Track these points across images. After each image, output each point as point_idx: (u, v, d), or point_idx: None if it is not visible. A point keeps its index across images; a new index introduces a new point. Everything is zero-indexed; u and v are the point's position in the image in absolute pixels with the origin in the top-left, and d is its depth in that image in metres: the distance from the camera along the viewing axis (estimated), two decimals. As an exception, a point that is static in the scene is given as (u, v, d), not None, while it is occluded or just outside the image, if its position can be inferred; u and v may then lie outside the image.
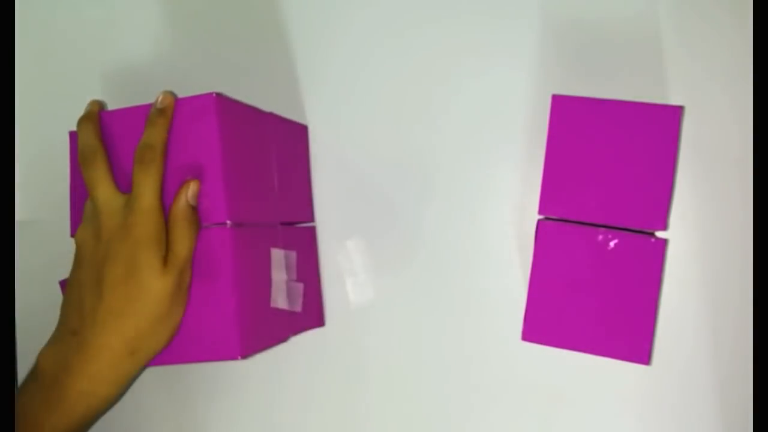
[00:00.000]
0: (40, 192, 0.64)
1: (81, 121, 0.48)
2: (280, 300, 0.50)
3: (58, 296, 0.53)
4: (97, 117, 0.48)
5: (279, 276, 0.50)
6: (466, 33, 0.55)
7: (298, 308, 0.53)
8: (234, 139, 0.47)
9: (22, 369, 0.63)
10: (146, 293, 0.44)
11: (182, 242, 0.45)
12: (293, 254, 0.53)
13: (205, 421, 0.61)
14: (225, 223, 0.46)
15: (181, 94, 0.47)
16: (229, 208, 0.46)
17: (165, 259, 0.44)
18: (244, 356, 0.45)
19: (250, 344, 0.46)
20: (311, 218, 0.58)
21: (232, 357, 0.45)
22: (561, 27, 0.53)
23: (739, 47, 0.50)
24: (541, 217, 0.48)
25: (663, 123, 0.45)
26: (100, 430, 0.51)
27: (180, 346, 0.47)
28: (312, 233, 0.58)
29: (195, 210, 0.45)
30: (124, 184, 0.47)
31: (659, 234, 0.46)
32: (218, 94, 0.46)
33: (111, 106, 0.56)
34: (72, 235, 0.50)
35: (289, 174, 0.55)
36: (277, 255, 0.51)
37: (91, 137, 0.47)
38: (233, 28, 0.60)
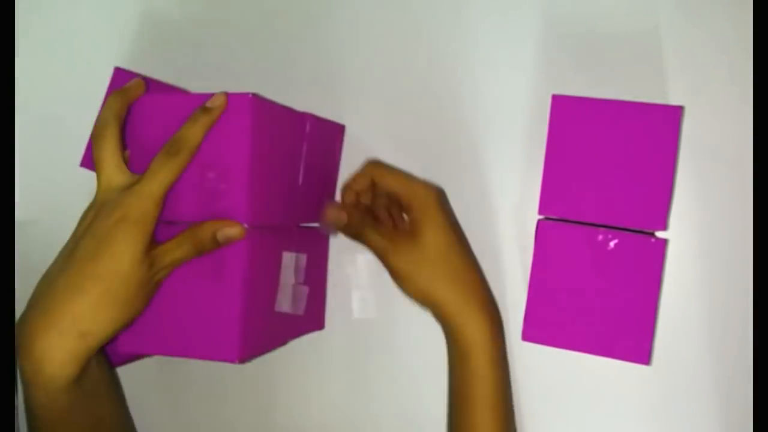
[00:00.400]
0: (40, 192, 0.64)
1: (111, 95, 0.46)
2: (284, 303, 0.50)
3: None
4: (127, 96, 0.46)
5: (287, 279, 0.50)
6: (466, 33, 0.55)
7: (301, 312, 0.53)
8: (264, 142, 0.46)
9: (22, 369, 0.63)
10: (113, 274, 0.42)
11: (179, 252, 0.44)
12: (303, 257, 0.52)
13: (202, 420, 0.61)
14: (242, 226, 0.45)
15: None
16: (249, 211, 0.45)
17: (147, 250, 0.43)
18: (242, 360, 0.45)
19: (250, 348, 0.46)
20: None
21: (230, 360, 0.45)
22: (562, 27, 0.53)
23: (739, 47, 0.49)
24: (541, 217, 0.48)
25: (663, 123, 0.45)
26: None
27: (178, 339, 0.46)
28: (323, 239, 0.58)
29: (216, 245, 0.44)
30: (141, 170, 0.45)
31: (659, 234, 0.46)
32: (254, 95, 0.45)
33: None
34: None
35: (317, 175, 0.54)
36: (288, 258, 0.50)
37: (110, 112, 0.45)
38: (269, 25, 0.60)
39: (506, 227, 0.54)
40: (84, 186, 0.55)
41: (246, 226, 0.45)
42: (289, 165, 0.50)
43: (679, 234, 0.49)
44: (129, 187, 0.43)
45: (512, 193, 0.54)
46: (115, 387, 0.50)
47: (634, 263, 0.45)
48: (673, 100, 0.50)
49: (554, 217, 0.47)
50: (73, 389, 0.43)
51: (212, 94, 0.45)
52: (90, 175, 0.55)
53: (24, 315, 0.43)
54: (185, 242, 0.44)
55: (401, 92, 0.56)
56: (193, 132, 0.44)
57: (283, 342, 0.52)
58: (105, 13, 0.63)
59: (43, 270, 0.64)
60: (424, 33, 0.56)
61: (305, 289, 0.53)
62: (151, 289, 0.45)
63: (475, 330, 0.47)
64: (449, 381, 0.49)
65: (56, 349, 0.41)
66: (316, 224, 0.54)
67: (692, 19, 0.50)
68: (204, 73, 0.61)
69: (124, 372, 0.55)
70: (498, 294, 0.53)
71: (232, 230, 0.44)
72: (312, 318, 0.56)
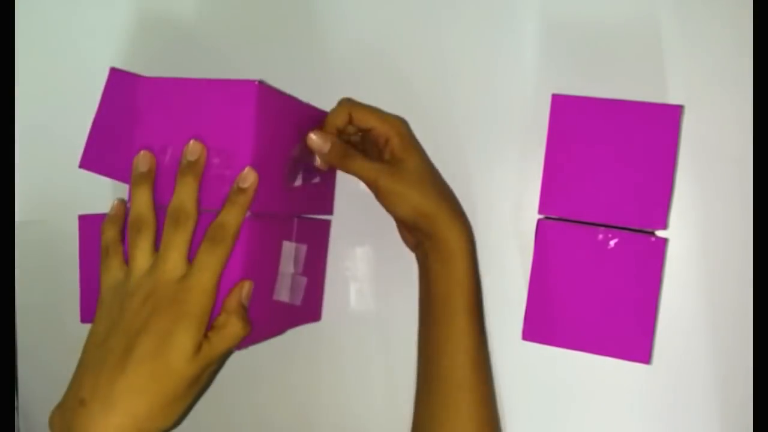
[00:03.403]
0: (40, 192, 0.64)
1: (138, 182, 0.45)
2: (283, 293, 0.50)
3: (57, 296, 0.53)
4: (152, 176, 0.46)
5: (287, 269, 0.50)
6: (466, 33, 0.55)
7: (298, 302, 0.53)
8: (268, 130, 0.46)
9: (23, 369, 0.63)
10: (172, 374, 0.42)
11: (226, 339, 0.43)
12: (304, 248, 0.52)
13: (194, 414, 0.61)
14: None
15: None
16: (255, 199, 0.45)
17: (200, 345, 0.42)
18: (239, 348, 0.45)
19: (248, 337, 0.46)
20: (330, 211, 0.58)
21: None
22: (561, 27, 0.53)
23: (739, 47, 0.50)
24: (541, 216, 0.48)
25: (663, 122, 0.45)
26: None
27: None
28: (327, 226, 0.58)
29: (246, 309, 0.44)
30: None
31: (659, 233, 0.46)
32: (260, 82, 0.44)
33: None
34: (82, 321, 0.50)
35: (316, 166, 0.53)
36: (288, 248, 0.50)
37: (145, 205, 0.45)
38: (272, 15, 0.60)
39: (506, 226, 0.54)
40: (84, 186, 0.55)
41: (249, 214, 0.45)
42: (290, 154, 0.50)
43: (679, 233, 0.49)
44: (184, 280, 0.43)
45: (512, 193, 0.54)
46: None
47: (634, 262, 0.45)
48: (673, 100, 0.50)
49: (554, 216, 0.47)
50: None
51: (219, 81, 0.45)
52: (89, 176, 0.55)
53: (76, 408, 0.42)
54: (229, 320, 0.44)
55: (401, 92, 0.56)
56: (234, 216, 0.44)
57: (279, 331, 0.52)
58: (105, 12, 0.63)
59: (43, 270, 0.64)
60: (424, 32, 0.56)
61: (303, 280, 0.53)
62: (202, 384, 0.44)
63: (458, 237, 0.49)
64: (425, 293, 0.51)
65: None
66: (317, 216, 0.54)
67: (692, 19, 0.51)
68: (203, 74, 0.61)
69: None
70: (498, 293, 0.53)
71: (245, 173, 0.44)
72: (309, 309, 0.56)
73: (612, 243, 0.46)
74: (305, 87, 0.55)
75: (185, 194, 0.44)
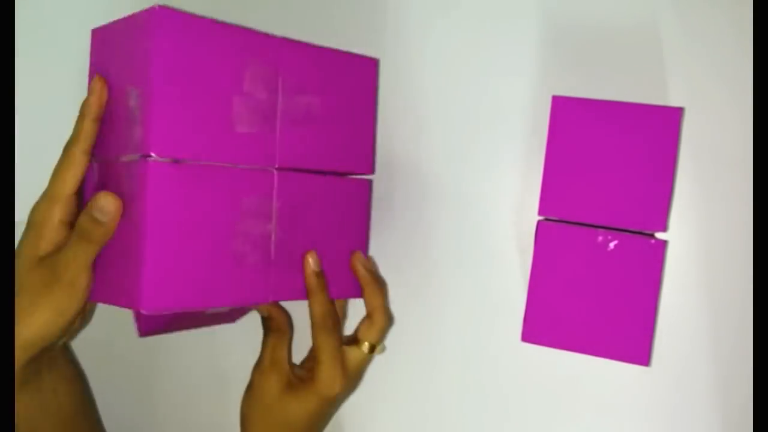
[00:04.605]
0: (40, 192, 0.64)
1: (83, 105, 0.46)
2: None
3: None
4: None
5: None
6: (466, 34, 0.55)
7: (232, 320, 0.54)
8: (180, 60, 0.41)
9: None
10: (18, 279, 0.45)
11: (71, 252, 0.44)
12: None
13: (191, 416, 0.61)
14: (149, 156, 0.41)
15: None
16: (154, 140, 0.40)
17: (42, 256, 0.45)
18: (149, 311, 0.41)
19: (162, 300, 0.41)
20: (364, 169, 0.52)
21: (137, 308, 0.41)
22: (561, 28, 0.53)
23: (739, 47, 0.49)
24: (541, 218, 0.48)
25: (663, 124, 0.45)
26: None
27: (103, 287, 0.44)
28: (362, 188, 0.52)
29: (97, 223, 0.43)
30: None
31: (659, 235, 0.46)
32: (162, 7, 0.41)
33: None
34: None
35: (314, 112, 0.48)
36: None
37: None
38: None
39: (506, 228, 0.54)
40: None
41: (154, 156, 0.41)
42: (236, 92, 0.44)
43: (679, 235, 0.49)
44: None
45: (512, 194, 0.54)
46: (75, 388, 0.54)
47: (633, 264, 0.45)
48: (673, 101, 0.50)
49: (554, 218, 0.47)
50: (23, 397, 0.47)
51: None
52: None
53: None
54: (73, 239, 0.44)
55: (402, 93, 0.56)
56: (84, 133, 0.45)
57: (229, 303, 0.45)
58: (105, 12, 0.63)
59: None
60: (424, 33, 0.56)
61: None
62: (73, 292, 0.44)
63: None
64: None
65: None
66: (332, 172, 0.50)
67: (692, 19, 0.50)
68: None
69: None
70: (498, 295, 0.53)
71: (102, 201, 0.42)
72: (347, 282, 0.51)
73: (612, 245, 0.46)
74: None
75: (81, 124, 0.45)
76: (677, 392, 0.51)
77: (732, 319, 0.50)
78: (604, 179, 0.46)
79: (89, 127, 0.45)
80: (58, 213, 0.45)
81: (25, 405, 0.48)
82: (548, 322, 0.47)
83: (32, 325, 0.44)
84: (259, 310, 0.51)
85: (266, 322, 0.52)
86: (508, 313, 0.52)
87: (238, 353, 0.59)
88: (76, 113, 0.56)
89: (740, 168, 0.49)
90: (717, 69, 0.50)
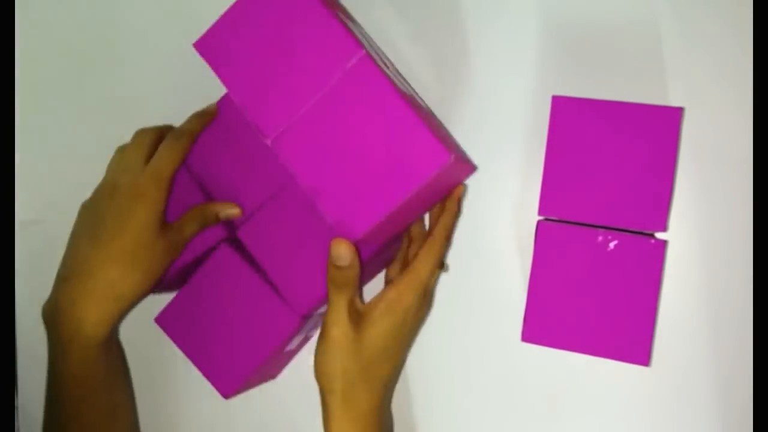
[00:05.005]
0: (40, 192, 0.64)
1: (194, 115, 0.53)
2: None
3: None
4: (204, 118, 0.52)
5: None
6: (466, 34, 0.55)
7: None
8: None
9: (23, 369, 0.63)
10: (138, 244, 0.48)
11: (189, 228, 0.50)
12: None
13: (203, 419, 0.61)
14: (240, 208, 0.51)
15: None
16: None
17: (163, 224, 0.49)
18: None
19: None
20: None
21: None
22: (561, 28, 0.53)
23: (739, 47, 0.49)
24: (541, 218, 0.48)
25: (663, 124, 0.45)
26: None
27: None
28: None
29: (217, 220, 0.51)
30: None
31: (659, 235, 0.46)
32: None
33: (115, 104, 0.56)
34: None
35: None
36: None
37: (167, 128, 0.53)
38: None
39: (506, 228, 0.54)
40: (84, 186, 0.55)
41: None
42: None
43: (679, 235, 0.49)
44: (143, 171, 0.49)
45: (512, 194, 0.54)
46: (128, 380, 0.55)
47: (633, 264, 0.45)
48: (673, 101, 0.50)
49: (554, 218, 0.47)
50: (103, 358, 0.49)
51: None
52: (89, 176, 0.55)
53: (60, 286, 0.49)
54: (195, 218, 0.50)
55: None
56: (190, 124, 0.52)
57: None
58: (105, 12, 0.63)
59: (43, 270, 0.64)
60: (424, 34, 0.56)
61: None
62: (170, 259, 0.50)
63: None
64: None
65: (94, 311, 0.47)
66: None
67: (692, 19, 0.50)
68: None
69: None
70: (498, 295, 0.53)
71: (231, 210, 0.51)
72: None
73: (612, 245, 0.46)
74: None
75: (191, 122, 0.52)
76: (677, 392, 0.50)
77: (732, 319, 0.49)
78: (604, 179, 0.46)
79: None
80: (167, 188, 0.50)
81: (111, 358, 0.51)
82: (548, 322, 0.47)
83: (144, 284, 0.49)
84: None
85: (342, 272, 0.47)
86: (508, 313, 0.52)
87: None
88: (75, 113, 0.56)
89: (740, 168, 0.49)
90: (717, 69, 0.50)
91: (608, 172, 0.46)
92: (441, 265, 0.51)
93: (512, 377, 0.53)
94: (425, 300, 0.48)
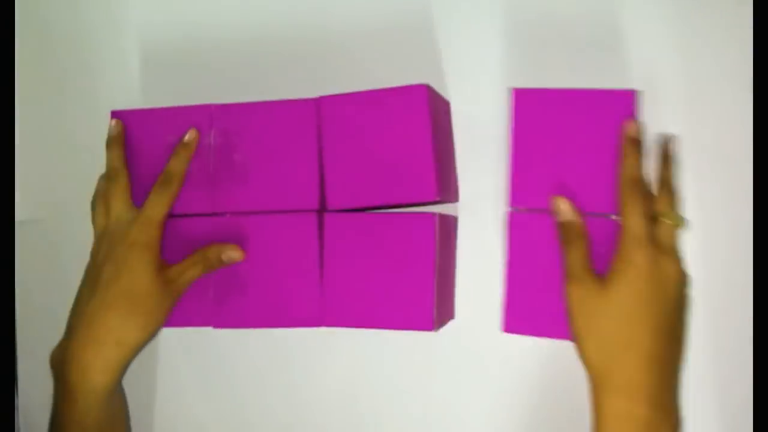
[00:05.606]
0: (40, 192, 0.64)
1: (109, 146, 0.54)
2: None
3: (58, 296, 0.53)
4: (122, 139, 0.54)
5: None
6: (435, 32, 0.55)
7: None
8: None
9: (23, 369, 0.63)
10: (135, 290, 0.49)
11: (191, 272, 0.51)
12: None
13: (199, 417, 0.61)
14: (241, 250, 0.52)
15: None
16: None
17: (159, 268, 0.50)
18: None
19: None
20: (449, 197, 0.53)
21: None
22: (523, 24, 0.53)
23: (739, 47, 0.49)
24: (512, 209, 0.48)
25: (619, 108, 0.45)
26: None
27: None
28: (448, 221, 0.53)
29: (222, 264, 0.52)
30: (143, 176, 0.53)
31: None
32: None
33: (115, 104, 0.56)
34: None
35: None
36: None
37: (117, 161, 0.54)
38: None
39: (486, 224, 0.53)
40: (84, 186, 0.55)
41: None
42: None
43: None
44: (134, 218, 0.51)
45: (490, 187, 0.53)
46: (127, 420, 0.56)
47: (606, 246, 0.45)
48: (673, 100, 0.50)
49: (524, 208, 0.47)
50: (106, 406, 0.50)
51: (193, 108, 0.52)
52: (89, 176, 0.55)
53: (67, 336, 0.51)
54: (197, 263, 0.52)
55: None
56: (178, 165, 0.52)
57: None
58: (105, 11, 0.63)
59: (43, 270, 0.64)
60: (394, 33, 0.56)
61: None
62: (171, 303, 0.51)
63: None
64: None
65: (98, 358, 0.49)
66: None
67: (692, 19, 0.50)
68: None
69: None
70: (482, 288, 0.53)
71: (233, 253, 0.52)
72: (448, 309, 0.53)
73: None
74: (303, 83, 0.55)
75: (175, 162, 0.52)
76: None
77: (732, 318, 0.49)
78: (571, 165, 0.46)
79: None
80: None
81: (113, 405, 0.52)
82: (528, 311, 0.47)
83: (145, 329, 0.50)
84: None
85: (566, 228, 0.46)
86: (490, 305, 0.52)
87: (239, 353, 0.59)
88: (75, 113, 0.57)
89: (740, 168, 0.49)
90: (717, 69, 0.50)
91: (574, 158, 0.46)
92: (674, 219, 0.45)
93: (509, 375, 0.53)
94: (664, 259, 0.43)
